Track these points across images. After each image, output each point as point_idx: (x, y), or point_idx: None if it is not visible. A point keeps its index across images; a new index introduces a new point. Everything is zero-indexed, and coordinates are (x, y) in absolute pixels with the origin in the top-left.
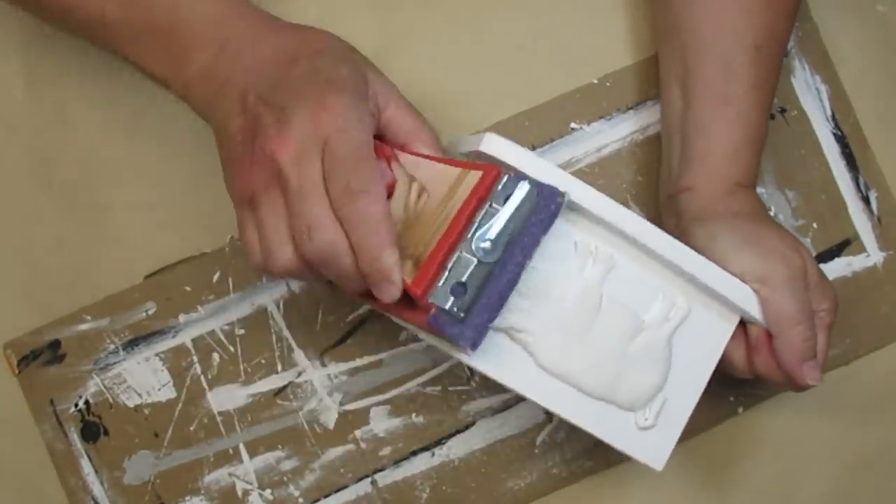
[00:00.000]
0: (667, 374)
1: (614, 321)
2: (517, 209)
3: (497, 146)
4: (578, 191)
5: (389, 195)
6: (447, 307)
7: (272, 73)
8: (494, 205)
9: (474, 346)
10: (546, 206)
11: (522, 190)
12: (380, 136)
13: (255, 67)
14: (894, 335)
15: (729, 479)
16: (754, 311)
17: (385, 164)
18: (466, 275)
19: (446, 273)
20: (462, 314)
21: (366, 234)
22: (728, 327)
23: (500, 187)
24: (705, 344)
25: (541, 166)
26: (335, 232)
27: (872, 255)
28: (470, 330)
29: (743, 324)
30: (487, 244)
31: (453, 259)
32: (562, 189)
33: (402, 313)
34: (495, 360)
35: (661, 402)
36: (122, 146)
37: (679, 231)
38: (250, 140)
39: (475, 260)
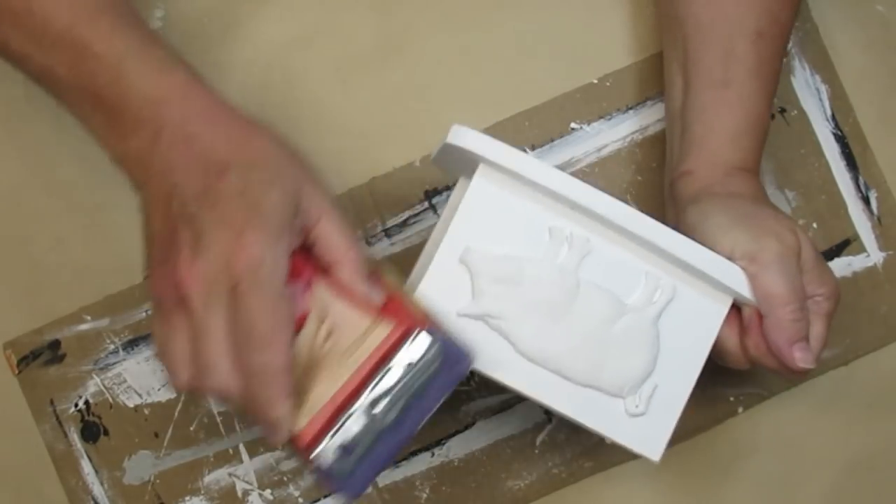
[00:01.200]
0: (655, 359)
1: (593, 305)
2: (420, 371)
3: (464, 138)
4: (553, 177)
5: (298, 327)
6: (328, 467)
7: (200, 180)
8: (398, 362)
9: (353, 498)
10: (451, 369)
11: (430, 352)
12: (309, 248)
13: (184, 168)
14: (894, 335)
15: (729, 479)
16: (743, 289)
17: (301, 288)
18: (354, 436)
19: (335, 429)
20: (343, 474)
21: (260, 386)
22: (721, 309)
23: (407, 346)
24: (697, 328)
25: (511, 154)
26: (229, 377)
27: (872, 255)
28: (349, 487)
29: (738, 310)
30: (382, 406)
31: (346, 416)
32: (468, 352)
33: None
34: (478, 350)
35: (652, 388)
36: None
37: (676, 215)
38: (167, 249)
39: (367, 419)
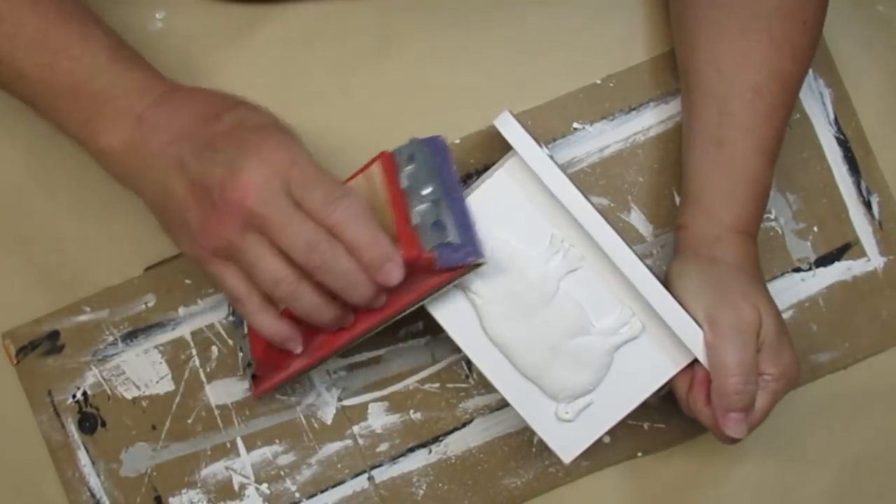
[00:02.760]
0: (599, 382)
1: (562, 314)
2: (422, 160)
3: (505, 127)
4: (569, 196)
5: None
6: (444, 241)
7: (199, 134)
8: (405, 169)
9: (483, 255)
10: (438, 147)
11: (415, 148)
12: None
13: (179, 135)
14: (894, 340)
15: (728, 479)
16: (698, 352)
17: None
18: (433, 214)
19: (418, 229)
20: (456, 241)
21: (360, 230)
22: (676, 363)
23: (399, 159)
24: (649, 372)
25: (539, 160)
26: (330, 240)
27: (873, 260)
28: (470, 246)
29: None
30: (425, 189)
31: (414, 218)
32: (436, 137)
33: (394, 304)
34: (449, 312)
35: (586, 404)
36: None
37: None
38: (206, 198)
39: (426, 205)
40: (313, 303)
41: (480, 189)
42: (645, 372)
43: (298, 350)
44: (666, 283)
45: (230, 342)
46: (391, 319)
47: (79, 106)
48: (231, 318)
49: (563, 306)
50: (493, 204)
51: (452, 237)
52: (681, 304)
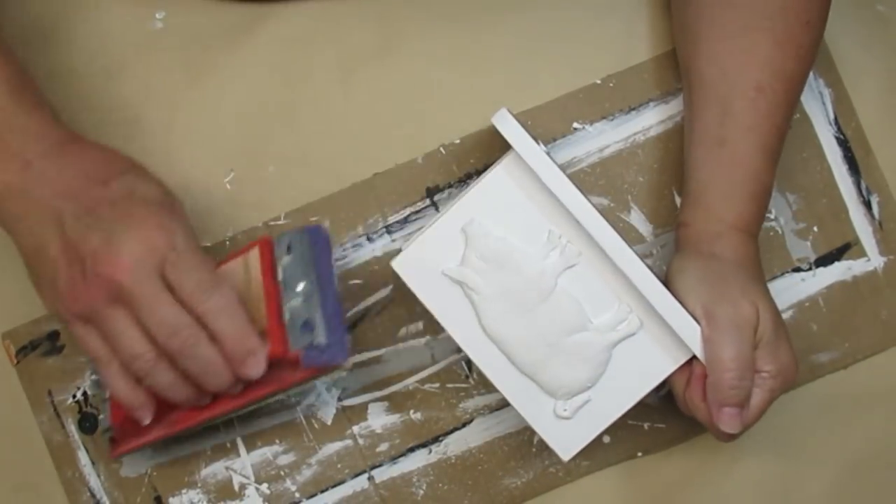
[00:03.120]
0: (597, 379)
1: (560, 311)
2: (300, 252)
3: (502, 124)
4: (568, 193)
5: None
6: (311, 343)
7: (84, 196)
8: (283, 259)
9: (347, 359)
10: (319, 238)
11: (294, 238)
12: None
13: (65, 190)
14: (894, 340)
15: (729, 479)
16: (696, 347)
17: None
18: (302, 314)
19: (288, 326)
20: (323, 342)
21: (228, 322)
22: (674, 360)
23: (278, 248)
24: (647, 368)
25: (537, 157)
26: (194, 326)
27: (873, 260)
28: (337, 348)
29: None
30: (300, 284)
31: (285, 314)
32: (316, 227)
33: (254, 392)
34: (447, 308)
35: (584, 401)
36: (120, 146)
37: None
38: (77, 264)
39: (298, 302)
40: (169, 381)
41: (478, 186)
42: (643, 369)
43: (146, 421)
44: (666, 279)
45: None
46: (253, 405)
47: None
48: (94, 376)
49: (561, 303)
50: (490, 201)
51: (320, 338)
52: (679, 299)
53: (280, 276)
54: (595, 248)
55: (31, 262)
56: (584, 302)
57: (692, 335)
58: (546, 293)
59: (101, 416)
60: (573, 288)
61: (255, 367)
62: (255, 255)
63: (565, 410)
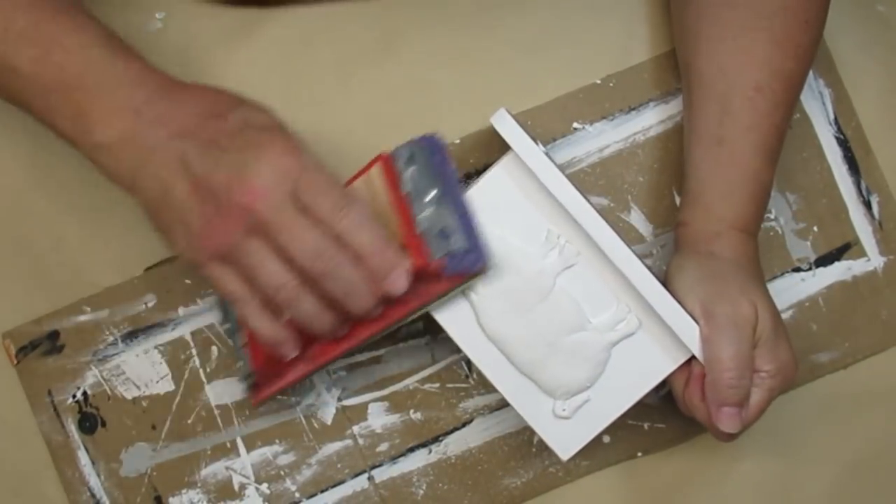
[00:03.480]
0: (596, 378)
1: (559, 310)
2: (422, 161)
3: (501, 125)
4: (566, 193)
5: None
6: (451, 250)
7: (203, 132)
8: (405, 171)
9: (489, 260)
10: (436, 146)
11: (414, 149)
12: None
13: (181, 130)
14: (894, 340)
15: (729, 479)
16: (694, 347)
17: None
18: (437, 222)
19: (425, 236)
20: (463, 247)
21: (368, 237)
22: (670, 364)
23: (398, 161)
24: (645, 369)
25: (535, 157)
26: (337, 247)
27: (873, 260)
28: (478, 252)
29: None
30: (428, 193)
31: (419, 225)
32: (433, 136)
33: (397, 312)
34: (445, 308)
35: (583, 401)
36: None
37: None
38: (211, 199)
39: (430, 210)
40: (313, 310)
41: (477, 186)
42: (642, 369)
43: (292, 354)
44: (665, 279)
45: (230, 342)
46: (393, 326)
47: (71, 100)
48: (226, 325)
49: (560, 302)
50: (489, 201)
51: (460, 244)
52: (678, 298)
53: (406, 187)
54: (594, 248)
55: (158, 210)
56: (583, 302)
57: (691, 335)
58: (545, 293)
59: (240, 364)
60: (572, 288)
61: (400, 281)
62: (377, 171)
63: (564, 410)
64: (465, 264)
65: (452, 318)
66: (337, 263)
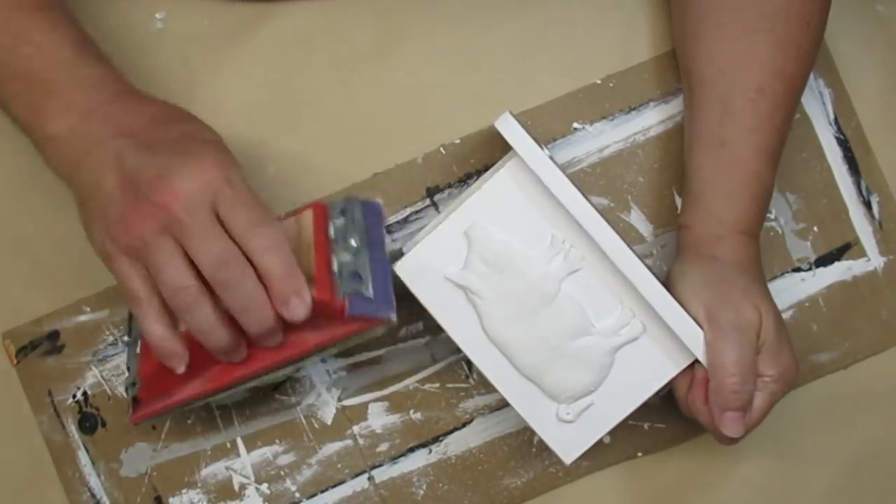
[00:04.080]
0: (600, 383)
1: (563, 315)
2: (353, 216)
3: (505, 128)
4: (570, 198)
5: None
6: (358, 290)
7: (147, 134)
8: (335, 220)
9: (393, 313)
10: (374, 209)
11: (350, 205)
12: None
13: (127, 130)
14: (894, 340)
15: (729, 479)
16: (698, 351)
17: None
18: (352, 265)
19: (336, 276)
20: (370, 293)
21: (276, 259)
22: (677, 364)
23: (331, 211)
24: (648, 373)
25: (539, 161)
26: (243, 261)
27: (873, 260)
28: (383, 301)
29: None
30: (351, 241)
31: (333, 265)
32: (370, 200)
33: (293, 347)
34: (449, 312)
35: (587, 405)
36: None
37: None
38: (132, 194)
39: (349, 256)
40: (210, 321)
41: (482, 191)
42: (646, 373)
43: (181, 369)
44: (667, 282)
45: (125, 356)
46: (294, 361)
47: (31, 91)
48: (126, 338)
49: (564, 307)
50: (493, 205)
51: (367, 289)
52: (682, 303)
53: (332, 234)
54: (598, 253)
55: (86, 202)
56: (587, 306)
57: (695, 339)
58: (549, 297)
59: (126, 374)
60: (576, 292)
61: (300, 309)
62: (308, 215)
63: (568, 414)
64: (368, 308)
65: (456, 322)
66: (240, 276)
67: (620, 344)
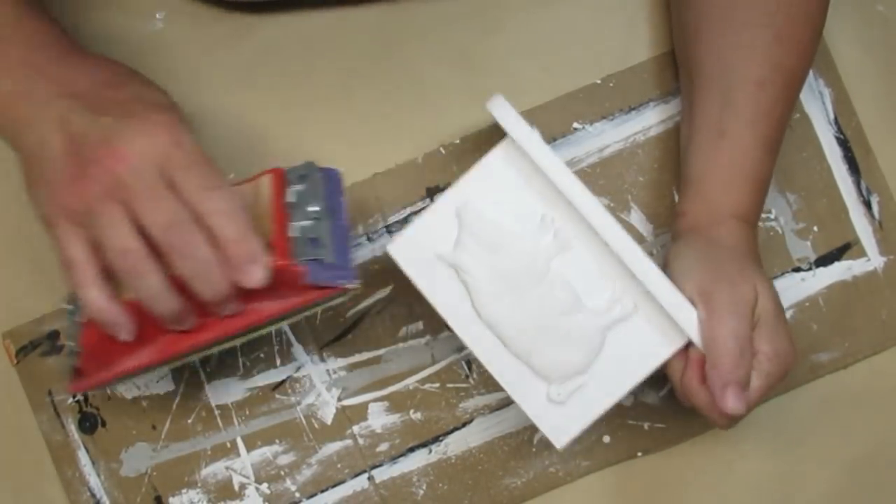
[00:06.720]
0: (591, 362)
1: (553, 294)
2: (313, 182)
3: (498, 111)
4: (562, 177)
5: None
6: (318, 257)
7: (94, 96)
8: (295, 187)
9: (355, 280)
10: (333, 177)
11: (310, 171)
12: None
13: (73, 92)
14: (894, 340)
15: (729, 479)
16: (692, 331)
17: None
18: (311, 230)
19: (295, 241)
20: (331, 260)
21: (230, 223)
22: (667, 349)
23: (291, 176)
24: (642, 354)
25: (531, 142)
26: (194, 224)
27: (873, 260)
28: (344, 268)
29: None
30: (310, 207)
31: (292, 230)
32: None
33: (248, 317)
34: (441, 291)
35: (579, 385)
36: None
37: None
38: (77, 157)
39: (308, 222)
40: (156, 286)
41: (473, 170)
42: (638, 354)
43: (125, 337)
44: (663, 266)
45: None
46: (249, 332)
47: None
48: (69, 306)
49: (555, 286)
50: (485, 184)
51: (327, 256)
52: (676, 282)
53: (291, 199)
54: (590, 232)
55: (31, 166)
56: (579, 286)
57: (688, 318)
58: (540, 276)
59: (68, 344)
60: (567, 271)
61: (257, 274)
62: (266, 180)
63: (559, 395)
64: (327, 276)
65: (447, 302)
66: (190, 239)
67: (611, 322)
